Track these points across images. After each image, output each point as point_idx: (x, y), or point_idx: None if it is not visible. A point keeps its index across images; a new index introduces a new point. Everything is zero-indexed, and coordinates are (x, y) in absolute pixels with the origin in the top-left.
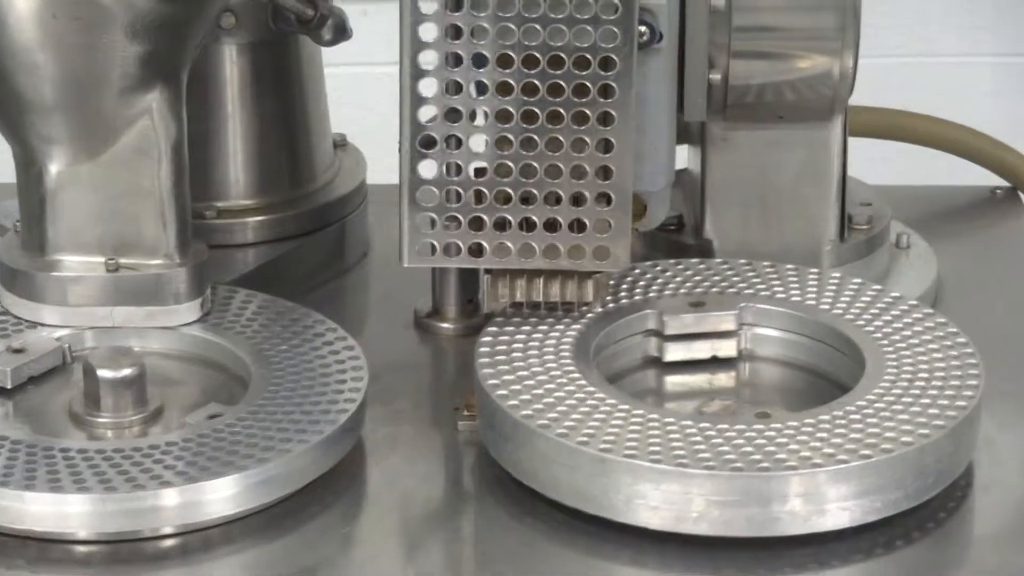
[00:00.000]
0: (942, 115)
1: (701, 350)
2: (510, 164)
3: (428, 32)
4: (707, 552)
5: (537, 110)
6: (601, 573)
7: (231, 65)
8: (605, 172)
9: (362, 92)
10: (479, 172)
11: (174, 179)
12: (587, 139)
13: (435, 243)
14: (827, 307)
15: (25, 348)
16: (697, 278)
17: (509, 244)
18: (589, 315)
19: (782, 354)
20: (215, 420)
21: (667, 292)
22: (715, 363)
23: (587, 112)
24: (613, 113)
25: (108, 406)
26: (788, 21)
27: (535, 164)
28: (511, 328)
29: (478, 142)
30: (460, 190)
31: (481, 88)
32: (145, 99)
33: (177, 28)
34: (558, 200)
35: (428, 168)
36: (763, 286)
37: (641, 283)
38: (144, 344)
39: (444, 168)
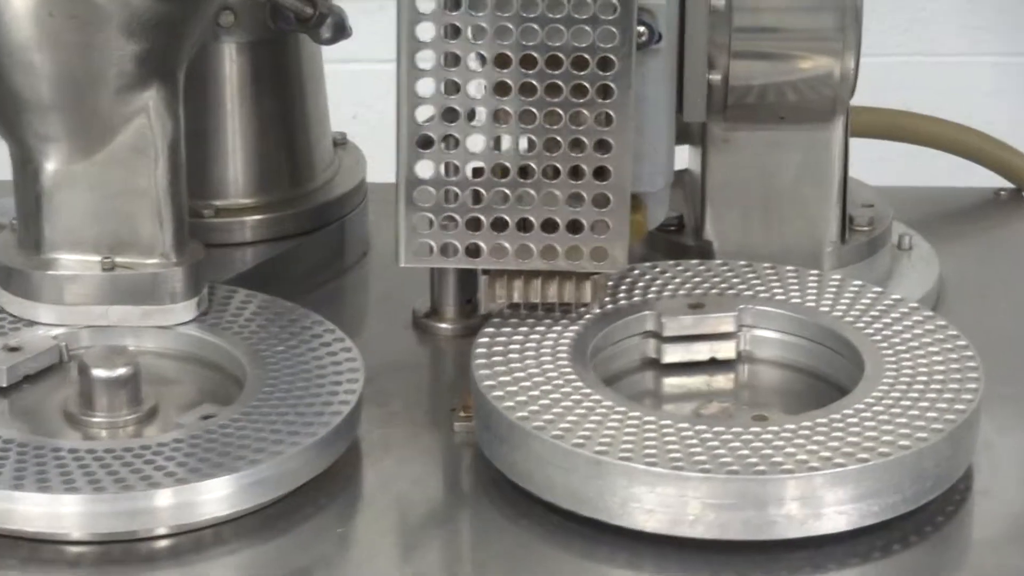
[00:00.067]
0: (942, 115)
1: (700, 352)
2: (508, 164)
3: (426, 31)
4: (703, 555)
5: (535, 110)
6: None
7: (230, 64)
8: (603, 173)
9: (361, 90)
10: (477, 172)
11: (170, 178)
12: (585, 139)
13: (432, 243)
14: (827, 309)
15: (21, 346)
16: (696, 279)
17: (506, 245)
18: (587, 316)
19: (781, 356)
20: (209, 420)
21: (666, 293)
22: (714, 365)
23: (585, 112)
24: (611, 113)
25: (102, 406)
26: (789, 22)
27: (533, 164)
28: (508, 329)
29: (476, 142)
30: (458, 190)
31: (479, 87)
32: (142, 98)
33: (174, 27)
34: (556, 201)
35: (425, 168)
36: (763, 288)
37: (640, 284)
38: (140, 343)
39: (442, 168)
